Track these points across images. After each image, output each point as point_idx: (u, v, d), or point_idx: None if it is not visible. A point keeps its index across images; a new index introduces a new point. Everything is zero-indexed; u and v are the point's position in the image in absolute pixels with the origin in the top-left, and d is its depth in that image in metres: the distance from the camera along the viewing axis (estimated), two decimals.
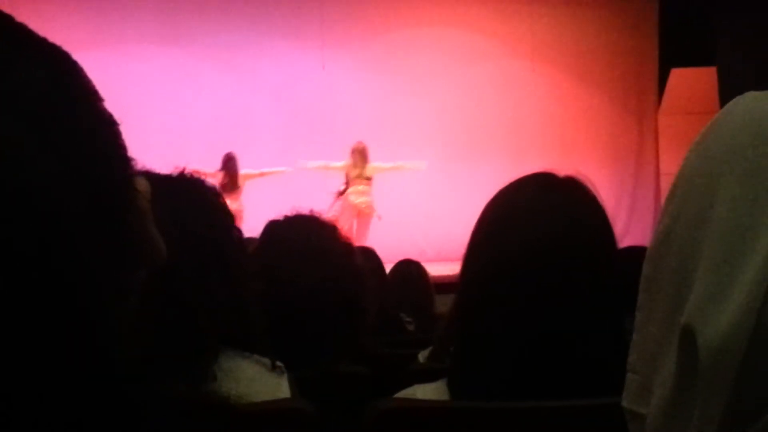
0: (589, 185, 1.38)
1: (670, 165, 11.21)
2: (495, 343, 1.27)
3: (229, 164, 9.49)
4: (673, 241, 0.61)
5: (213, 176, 8.91)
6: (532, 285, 1.26)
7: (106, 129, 0.59)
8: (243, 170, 9.65)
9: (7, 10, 0.57)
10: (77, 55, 0.61)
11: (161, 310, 0.90)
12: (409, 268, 4.09)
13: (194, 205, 1.31)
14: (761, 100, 0.59)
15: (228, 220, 1.39)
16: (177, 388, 0.62)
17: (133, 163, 0.61)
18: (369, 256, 3.48)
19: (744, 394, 0.52)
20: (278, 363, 1.34)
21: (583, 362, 1.25)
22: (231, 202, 8.78)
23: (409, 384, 1.39)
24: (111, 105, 0.61)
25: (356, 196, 9.69)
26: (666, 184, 11.33)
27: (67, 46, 0.60)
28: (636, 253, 2.93)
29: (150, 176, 1.22)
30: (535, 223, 1.30)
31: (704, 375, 0.53)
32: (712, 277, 0.55)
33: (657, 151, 12.12)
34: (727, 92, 9.06)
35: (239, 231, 1.44)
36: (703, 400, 0.53)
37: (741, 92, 0.62)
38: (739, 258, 0.54)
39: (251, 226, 2.22)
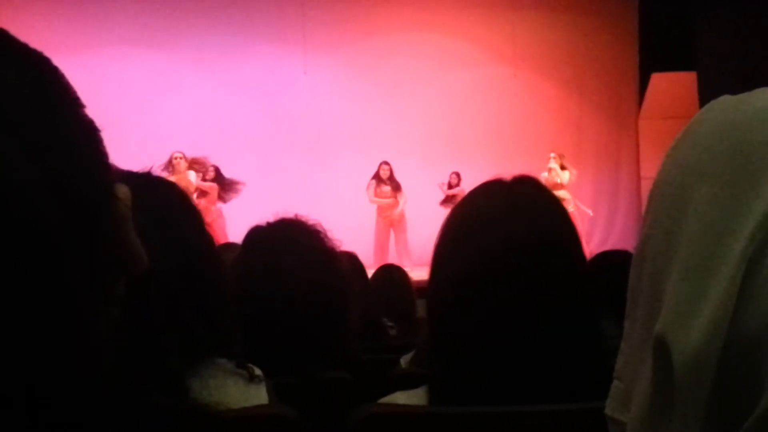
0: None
1: (651, 169, 11.28)
2: (469, 348, 1.27)
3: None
4: (650, 250, 0.61)
5: None
6: (504, 289, 1.26)
7: (87, 136, 0.58)
8: None
9: None
10: (58, 59, 0.60)
11: (139, 318, 0.89)
12: (391, 273, 4.09)
13: (171, 208, 1.29)
14: (734, 106, 0.59)
15: (199, 221, 1.36)
16: (154, 398, 0.61)
17: (113, 169, 0.61)
18: (351, 260, 3.47)
19: (721, 404, 0.52)
20: (257, 373, 1.32)
21: (559, 366, 1.25)
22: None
23: (392, 389, 1.39)
24: (92, 110, 0.60)
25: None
26: (646, 188, 11.40)
27: (47, 51, 0.60)
28: (614, 256, 2.94)
29: (126, 175, 1.19)
30: (503, 227, 1.30)
31: (680, 386, 0.53)
32: (683, 287, 0.55)
33: (638, 155, 12.19)
34: (707, 96, 9.12)
35: (209, 233, 1.39)
36: (681, 411, 0.53)
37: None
38: (710, 269, 0.53)
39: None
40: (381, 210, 10.42)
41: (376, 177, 10.40)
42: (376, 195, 10.43)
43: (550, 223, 1.33)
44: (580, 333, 1.28)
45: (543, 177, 10.29)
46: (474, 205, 1.39)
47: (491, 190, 1.39)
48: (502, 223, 1.31)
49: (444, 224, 1.39)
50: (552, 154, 10.51)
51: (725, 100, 0.60)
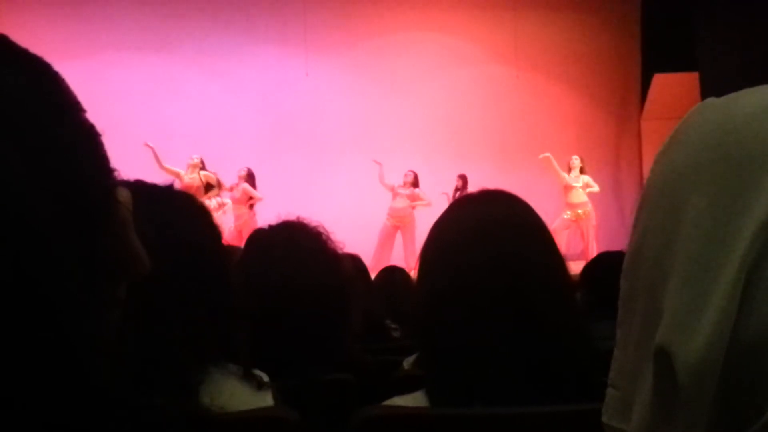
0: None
1: None
2: (453, 357, 1.29)
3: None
4: (644, 258, 0.60)
5: None
6: (482, 303, 1.28)
7: (87, 140, 0.59)
8: None
9: None
10: (59, 64, 0.61)
11: (142, 322, 0.89)
12: (394, 275, 4.09)
13: (178, 215, 1.30)
14: (722, 111, 0.58)
15: (214, 231, 1.38)
16: (157, 401, 0.62)
17: (115, 173, 0.61)
18: (354, 262, 3.47)
19: (724, 410, 0.52)
20: (264, 379, 1.33)
21: (542, 377, 1.26)
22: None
23: (395, 391, 1.39)
24: (93, 114, 0.61)
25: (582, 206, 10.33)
26: None
27: (48, 55, 0.60)
28: (614, 257, 2.94)
29: (135, 185, 1.22)
30: (482, 242, 1.33)
31: (683, 394, 0.52)
32: (684, 296, 0.54)
33: (640, 156, 12.18)
34: (709, 97, 9.06)
35: (222, 244, 1.43)
36: (684, 419, 0.53)
37: None
38: (710, 277, 0.53)
39: None
40: (392, 212, 10.42)
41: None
42: (393, 197, 10.46)
43: (526, 236, 1.37)
44: (569, 338, 1.29)
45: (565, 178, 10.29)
46: (454, 220, 1.42)
47: (469, 205, 1.44)
48: (482, 237, 1.34)
49: (427, 239, 1.43)
50: (575, 157, 10.45)
51: (712, 103, 0.60)
